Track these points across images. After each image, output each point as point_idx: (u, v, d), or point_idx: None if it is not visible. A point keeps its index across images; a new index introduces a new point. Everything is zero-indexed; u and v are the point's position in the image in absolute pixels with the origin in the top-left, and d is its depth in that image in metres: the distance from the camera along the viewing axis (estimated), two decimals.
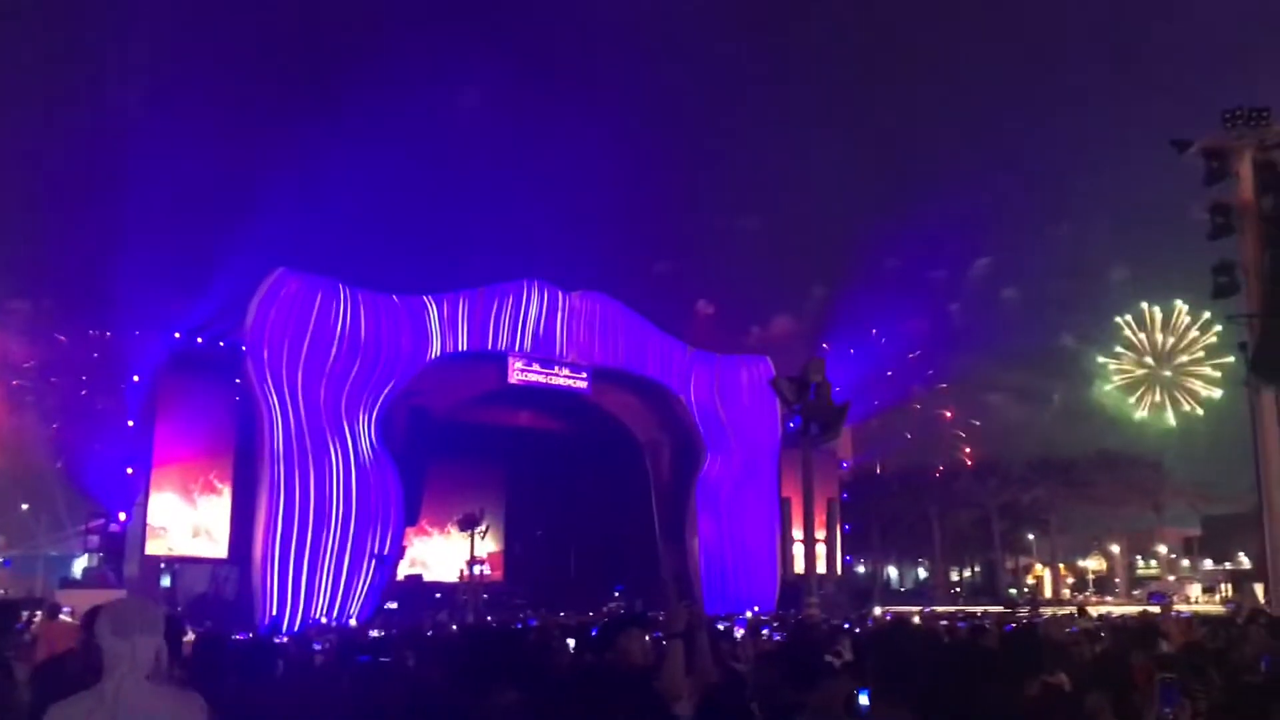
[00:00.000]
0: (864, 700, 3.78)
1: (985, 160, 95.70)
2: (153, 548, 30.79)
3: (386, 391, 34.43)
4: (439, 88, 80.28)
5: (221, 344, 33.21)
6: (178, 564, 31.76)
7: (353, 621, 28.52)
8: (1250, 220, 25.36)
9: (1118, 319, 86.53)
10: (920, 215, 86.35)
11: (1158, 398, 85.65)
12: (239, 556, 31.69)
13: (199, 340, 33.00)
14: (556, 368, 39.79)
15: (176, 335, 32.79)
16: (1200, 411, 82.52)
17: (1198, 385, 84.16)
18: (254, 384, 31.62)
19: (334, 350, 33.03)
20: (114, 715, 3.60)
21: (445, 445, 38.45)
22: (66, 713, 3.70)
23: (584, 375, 40.45)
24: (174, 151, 60.24)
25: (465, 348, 37.12)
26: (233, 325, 33.67)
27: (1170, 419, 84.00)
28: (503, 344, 38.21)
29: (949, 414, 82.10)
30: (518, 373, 38.80)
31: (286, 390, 31.79)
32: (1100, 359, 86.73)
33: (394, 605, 31.36)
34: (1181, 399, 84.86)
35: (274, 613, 29.62)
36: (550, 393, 40.25)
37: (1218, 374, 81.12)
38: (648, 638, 6.45)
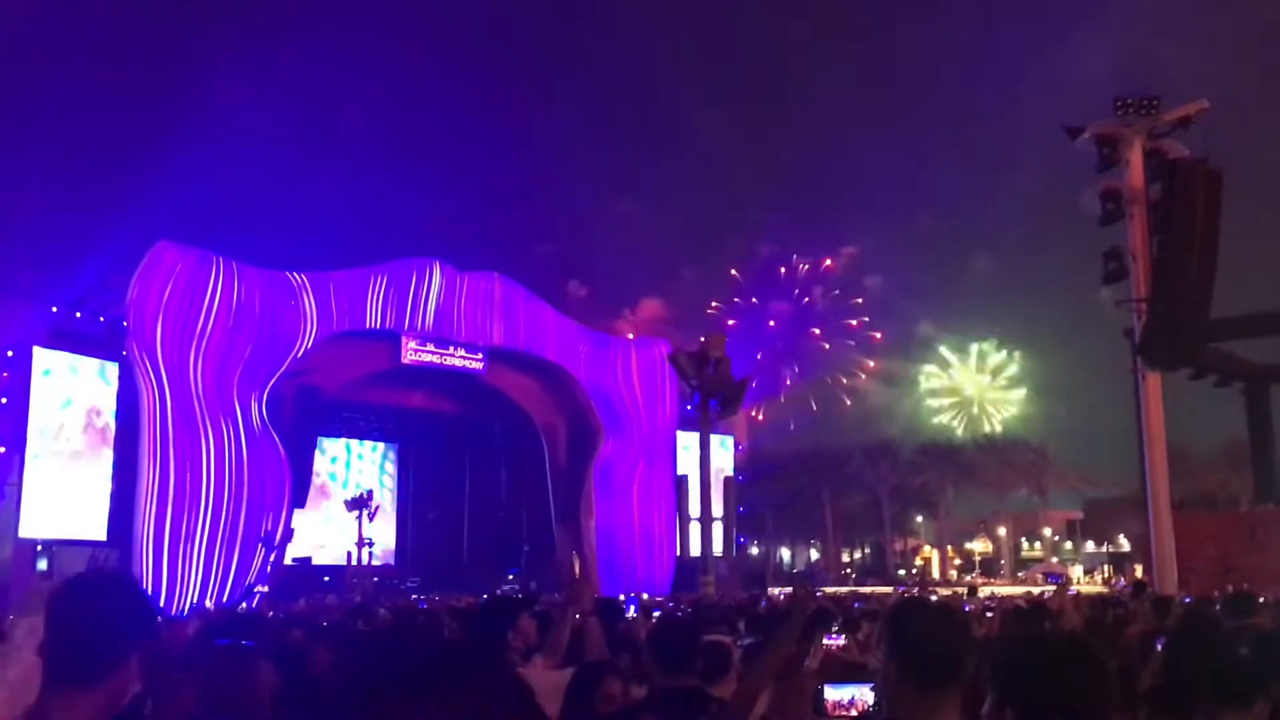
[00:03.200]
0: (862, 695, 3.38)
1: (855, 151, 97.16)
2: (27, 530, 29.57)
3: (274, 369, 33.52)
4: (326, 63, 78.44)
5: (101, 319, 31.98)
6: (55, 546, 30.53)
7: (243, 606, 27.70)
8: (1139, 206, 25.93)
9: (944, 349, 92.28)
10: (789, 204, 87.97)
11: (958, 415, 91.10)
12: (119, 539, 30.58)
13: (77, 315, 31.70)
14: (451, 348, 39.15)
15: (54, 309, 31.43)
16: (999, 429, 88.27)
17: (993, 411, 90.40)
18: (135, 361, 30.51)
19: (220, 326, 31.94)
20: None
21: (336, 424, 37.66)
22: None
23: (479, 356, 39.88)
24: (52, 117, 57.98)
25: (357, 326, 36.31)
26: (113, 300, 32.43)
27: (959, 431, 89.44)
28: (396, 323, 37.46)
29: None
30: (411, 352, 38.09)
31: (169, 368, 30.71)
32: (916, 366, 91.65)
33: (264, 589, 30.31)
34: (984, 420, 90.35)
35: (155, 597, 28.67)
36: (445, 373, 39.61)
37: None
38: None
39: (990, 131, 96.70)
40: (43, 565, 30.01)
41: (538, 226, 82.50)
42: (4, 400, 32.58)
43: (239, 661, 4.64)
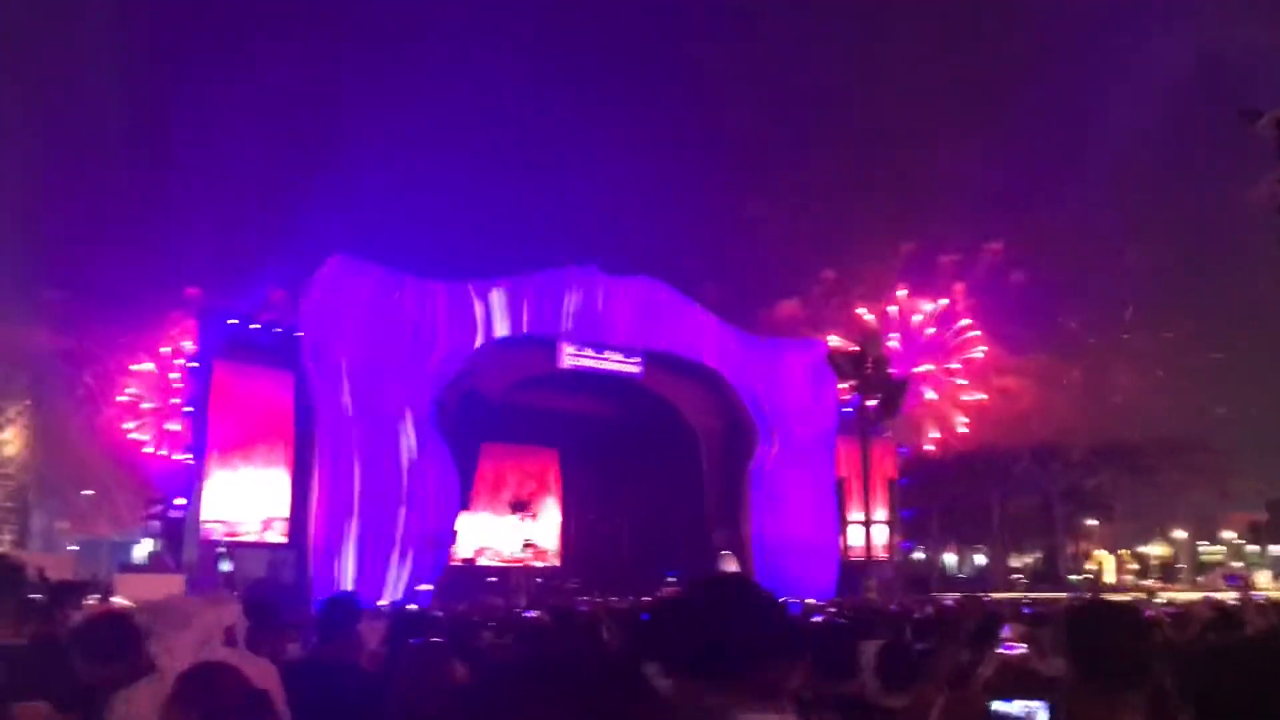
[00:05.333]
0: (1033, 711, 3.20)
1: (995, 141, 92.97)
2: (210, 533, 30.98)
3: (442, 377, 34.42)
4: (477, 74, 79.89)
5: (278, 330, 33.30)
6: (237, 549, 31.90)
7: (412, 607, 28.44)
8: None
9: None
10: (931, 198, 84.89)
11: None
12: (296, 542, 31.82)
13: (254, 326, 33.08)
14: (608, 352, 39.48)
15: (232, 322, 32.87)
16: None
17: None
18: (309, 370, 31.74)
19: (390, 336, 33.08)
20: None
21: (498, 429, 38.32)
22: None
23: (636, 360, 40.10)
24: (224, 134, 60.54)
25: (516, 332, 36.92)
26: (288, 311, 33.84)
27: None
28: (554, 328, 37.98)
29: None
30: (569, 357, 38.54)
31: (339, 376, 31.90)
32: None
33: (429, 587, 31.27)
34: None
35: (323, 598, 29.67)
36: (602, 377, 39.97)
37: None
38: None
39: (1149, 119, 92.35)
40: (226, 566, 31.39)
41: (674, 227, 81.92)
42: (190, 409, 34.30)
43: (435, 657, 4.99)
